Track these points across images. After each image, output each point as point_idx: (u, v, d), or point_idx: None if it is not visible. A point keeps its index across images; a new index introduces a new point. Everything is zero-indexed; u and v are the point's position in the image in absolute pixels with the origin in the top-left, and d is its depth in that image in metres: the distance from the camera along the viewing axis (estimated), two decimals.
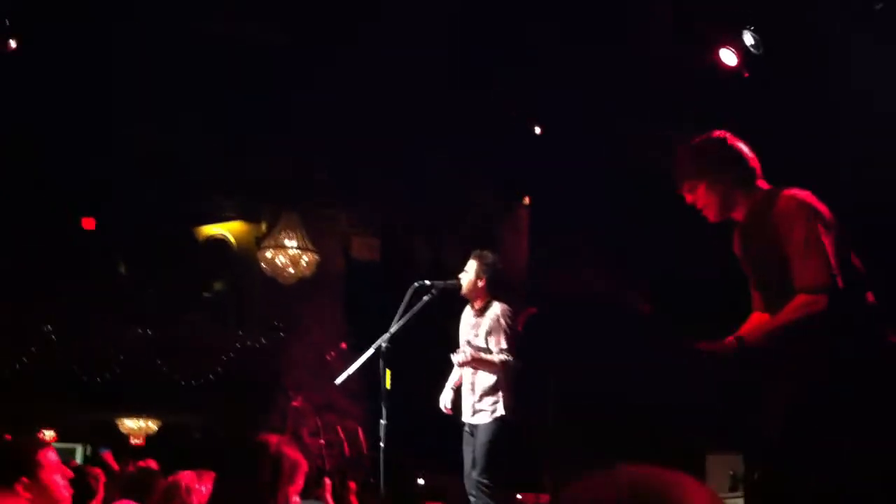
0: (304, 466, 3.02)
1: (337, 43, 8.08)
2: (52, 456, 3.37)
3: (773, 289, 3.42)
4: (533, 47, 7.67)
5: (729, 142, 3.60)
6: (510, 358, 5.79)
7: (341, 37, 7.99)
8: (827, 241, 3.30)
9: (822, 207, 3.40)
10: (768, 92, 6.63)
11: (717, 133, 3.63)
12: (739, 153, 3.58)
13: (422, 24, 7.45)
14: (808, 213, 3.35)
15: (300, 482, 3.01)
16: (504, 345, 5.82)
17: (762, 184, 3.57)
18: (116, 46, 8.18)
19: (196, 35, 8.12)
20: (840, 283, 3.25)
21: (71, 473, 3.52)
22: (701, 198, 3.60)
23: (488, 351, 5.84)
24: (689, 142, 3.68)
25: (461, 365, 5.89)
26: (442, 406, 6.04)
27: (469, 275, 5.94)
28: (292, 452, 3.01)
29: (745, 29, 6.63)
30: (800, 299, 3.26)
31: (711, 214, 3.60)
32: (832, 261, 3.27)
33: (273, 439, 3.05)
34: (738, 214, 3.58)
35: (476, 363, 5.81)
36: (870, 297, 3.40)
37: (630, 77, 7.36)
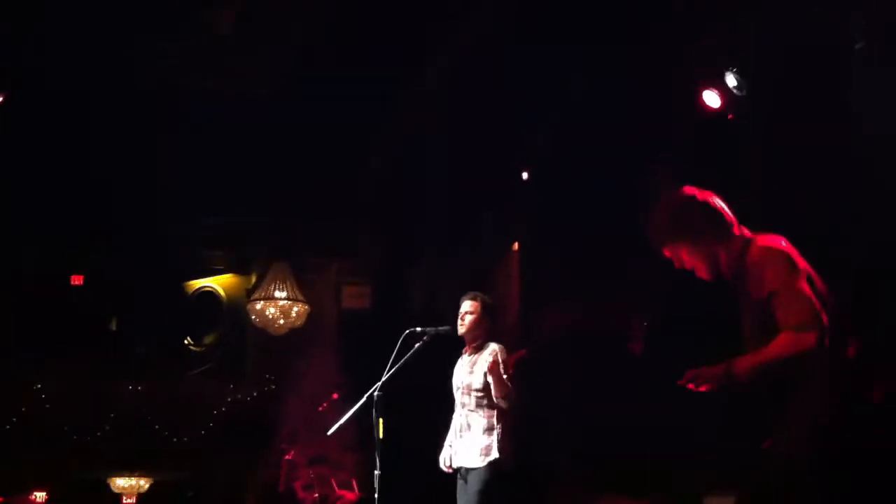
0: None
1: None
2: None
3: (759, 338, 3.42)
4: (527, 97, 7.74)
5: (699, 198, 3.58)
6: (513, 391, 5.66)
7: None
8: (804, 285, 3.32)
9: (795, 253, 3.44)
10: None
11: (686, 192, 3.62)
12: (712, 208, 3.57)
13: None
14: (781, 261, 3.39)
15: None
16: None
17: (741, 231, 3.58)
18: (97, 100, 8.22)
19: (180, 86, 8.17)
20: (825, 320, 3.26)
21: None
22: (687, 261, 3.61)
23: (487, 390, 5.73)
24: (658, 206, 3.66)
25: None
26: (442, 465, 5.91)
27: (474, 315, 5.87)
28: None
29: (728, 71, 6.68)
30: (787, 335, 3.26)
31: (704, 275, 3.62)
32: (813, 301, 3.29)
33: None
34: (724, 266, 3.59)
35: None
36: (851, 350, 3.39)
37: (618, 119, 7.42)
